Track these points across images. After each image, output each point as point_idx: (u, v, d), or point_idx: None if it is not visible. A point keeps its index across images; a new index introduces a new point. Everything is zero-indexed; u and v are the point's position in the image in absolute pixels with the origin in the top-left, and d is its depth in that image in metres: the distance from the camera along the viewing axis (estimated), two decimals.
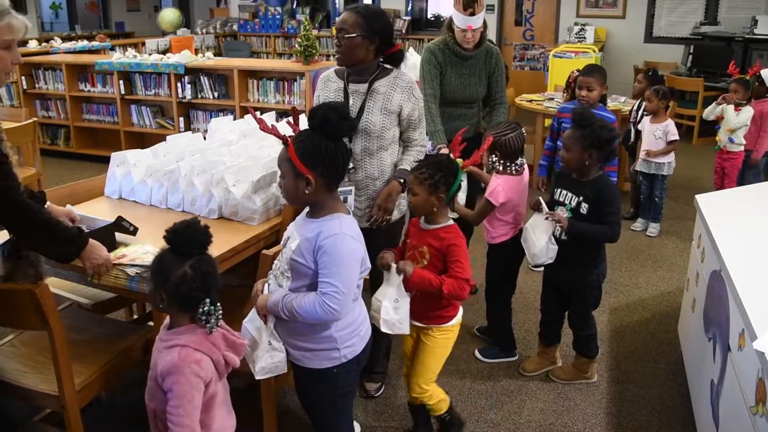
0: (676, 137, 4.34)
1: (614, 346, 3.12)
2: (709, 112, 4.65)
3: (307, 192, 1.69)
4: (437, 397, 2.30)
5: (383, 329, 2.08)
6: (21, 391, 1.96)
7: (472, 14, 2.98)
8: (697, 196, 2.92)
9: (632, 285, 3.79)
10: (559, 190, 2.61)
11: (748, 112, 4.41)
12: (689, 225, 3.97)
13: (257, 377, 1.82)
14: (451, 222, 2.14)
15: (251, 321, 1.84)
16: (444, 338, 2.23)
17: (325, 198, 1.74)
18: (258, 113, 2.15)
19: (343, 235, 1.68)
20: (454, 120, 3.28)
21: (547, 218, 2.48)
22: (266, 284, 1.85)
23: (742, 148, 4.50)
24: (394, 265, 2.06)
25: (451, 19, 3.10)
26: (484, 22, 3.09)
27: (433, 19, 10.54)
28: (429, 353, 2.22)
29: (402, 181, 2.39)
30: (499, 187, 2.65)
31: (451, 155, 2.18)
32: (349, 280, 1.68)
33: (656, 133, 4.33)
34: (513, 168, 2.67)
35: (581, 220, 2.49)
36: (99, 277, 1.96)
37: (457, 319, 2.24)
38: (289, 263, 1.74)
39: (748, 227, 2.58)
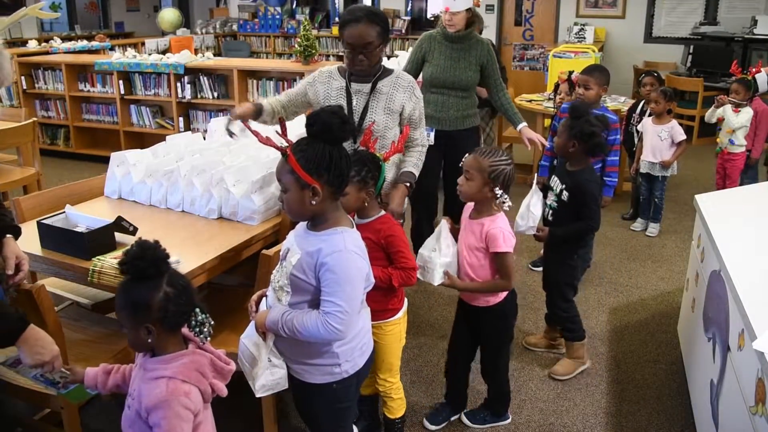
0: (684, 137, 4.33)
1: (614, 346, 3.12)
2: (710, 116, 4.65)
3: (314, 203, 1.60)
4: (399, 394, 2.30)
5: None
6: (20, 390, 1.96)
7: None
8: (696, 196, 2.93)
9: (632, 285, 3.79)
10: (553, 177, 2.80)
11: (747, 113, 4.40)
12: (689, 225, 3.98)
13: (257, 395, 1.75)
14: (383, 212, 2.12)
15: (249, 337, 1.76)
16: (395, 331, 2.20)
17: (329, 209, 1.66)
18: (252, 125, 2.09)
19: (347, 252, 1.61)
20: (449, 110, 3.34)
21: (532, 229, 2.59)
22: (264, 298, 1.80)
23: (743, 149, 4.49)
24: None
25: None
26: (474, 13, 3.32)
27: (432, 18, 10.54)
28: (385, 350, 2.19)
29: (409, 184, 2.42)
30: (505, 232, 2.23)
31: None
32: (353, 298, 1.62)
33: (661, 135, 4.32)
34: (506, 203, 2.27)
35: (562, 206, 2.69)
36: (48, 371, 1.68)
37: (403, 311, 2.22)
38: (289, 278, 1.67)
39: (748, 227, 2.58)
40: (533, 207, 2.53)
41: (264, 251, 2.06)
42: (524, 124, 3.41)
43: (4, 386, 1.97)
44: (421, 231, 3.44)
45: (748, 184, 4.48)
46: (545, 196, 2.72)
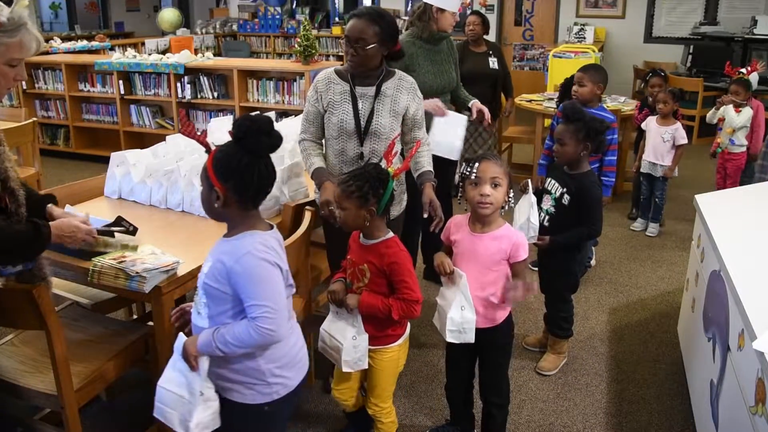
0: (685, 141, 4.33)
1: (614, 346, 3.12)
2: (711, 117, 4.65)
3: (216, 205, 1.56)
4: (391, 417, 2.20)
5: (344, 369, 2.01)
6: (20, 390, 1.96)
7: None
8: (696, 196, 2.92)
9: (632, 285, 3.79)
10: (549, 180, 2.75)
11: (748, 112, 4.41)
12: (689, 225, 3.97)
13: None
14: (391, 235, 2.00)
15: (170, 380, 1.63)
16: (392, 359, 2.10)
17: (239, 216, 1.60)
18: (186, 117, 1.95)
19: (254, 253, 1.53)
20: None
21: (533, 239, 2.49)
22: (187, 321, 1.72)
23: (744, 148, 4.50)
24: (352, 299, 1.97)
25: (426, 8, 3.10)
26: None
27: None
28: (380, 375, 2.10)
29: (433, 183, 2.38)
30: (523, 239, 2.14)
31: (383, 163, 2.01)
32: (276, 295, 1.56)
33: (664, 136, 4.32)
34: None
35: (562, 209, 2.64)
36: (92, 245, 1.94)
37: (404, 337, 2.13)
38: (203, 287, 1.60)
39: (748, 227, 2.58)
40: (533, 218, 2.46)
41: None
42: (474, 100, 3.30)
43: (4, 386, 1.97)
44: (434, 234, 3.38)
45: (747, 182, 4.49)
46: (539, 201, 2.68)
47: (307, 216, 2.42)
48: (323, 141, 2.50)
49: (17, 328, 2.17)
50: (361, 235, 2.02)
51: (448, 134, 2.97)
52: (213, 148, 1.59)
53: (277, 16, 10.91)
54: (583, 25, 8.92)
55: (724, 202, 2.96)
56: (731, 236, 2.41)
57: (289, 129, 3.30)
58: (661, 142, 4.32)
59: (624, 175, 5.41)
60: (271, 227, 1.68)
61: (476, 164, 2.02)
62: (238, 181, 1.54)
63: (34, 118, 4.56)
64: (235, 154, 1.54)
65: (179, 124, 1.87)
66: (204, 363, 1.61)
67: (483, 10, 8.08)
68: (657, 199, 4.50)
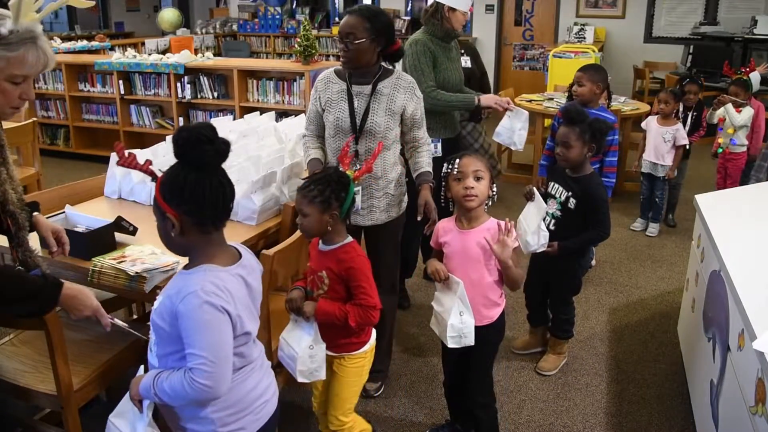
0: (686, 141, 4.33)
1: (614, 346, 3.12)
2: (711, 117, 4.64)
3: (173, 234, 1.40)
4: (359, 428, 2.12)
5: (299, 379, 1.91)
6: (20, 390, 1.96)
7: None
8: (696, 196, 2.92)
9: (632, 285, 3.79)
10: (552, 184, 2.73)
11: (749, 112, 4.41)
12: (689, 225, 3.97)
13: None
14: (349, 240, 1.94)
15: (117, 415, 1.52)
16: (356, 367, 2.03)
17: (199, 243, 1.43)
18: (124, 150, 1.64)
19: (200, 294, 1.35)
20: (454, 114, 3.28)
21: (543, 246, 2.43)
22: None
23: (744, 148, 4.50)
24: (308, 306, 1.89)
25: (438, 7, 3.10)
26: None
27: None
28: (343, 384, 2.02)
29: (431, 184, 2.40)
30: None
31: (340, 167, 1.97)
32: (216, 346, 1.36)
33: (665, 136, 4.31)
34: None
35: (568, 213, 2.63)
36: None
37: (370, 344, 2.06)
38: (152, 324, 1.45)
39: (748, 227, 2.58)
40: (543, 225, 2.42)
41: (264, 251, 2.05)
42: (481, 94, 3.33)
43: (3, 386, 1.97)
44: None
45: (747, 183, 4.49)
46: (544, 199, 2.63)
47: None
48: (325, 138, 2.52)
49: (17, 328, 2.17)
50: (320, 241, 1.96)
51: (510, 126, 3.18)
52: (159, 174, 1.45)
53: (277, 16, 10.91)
54: (583, 25, 8.92)
55: (724, 202, 2.96)
56: (731, 236, 2.41)
57: (289, 129, 3.30)
58: (662, 142, 4.32)
59: (625, 175, 5.41)
60: (239, 257, 1.50)
61: (457, 160, 2.06)
62: (189, 203, 1.38)
63: (34, 118, 4.55)
64: (180, 172, 1.39)
65: (118, 156, 1.69)
66: (148, 407, 1.47)
67: None
68: (657, 199, 4.50)
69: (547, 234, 2.46)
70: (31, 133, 4.20)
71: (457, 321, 2.02)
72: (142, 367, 1.55)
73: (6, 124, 4.14)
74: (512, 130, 3.17)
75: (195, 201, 1.38)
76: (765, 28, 7.65)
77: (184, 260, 2.03)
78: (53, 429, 2.16)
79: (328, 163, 2.46)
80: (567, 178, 2.65)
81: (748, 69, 4.63)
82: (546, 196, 2.70)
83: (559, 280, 2.80)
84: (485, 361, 2.24)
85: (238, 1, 11.76)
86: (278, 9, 10.86)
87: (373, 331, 2.08)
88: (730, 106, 4.44)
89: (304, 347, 1.88)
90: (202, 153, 1.37)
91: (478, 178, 2.03)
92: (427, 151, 2.51)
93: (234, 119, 3.85)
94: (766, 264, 2.19)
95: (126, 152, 1.60)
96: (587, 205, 2.58)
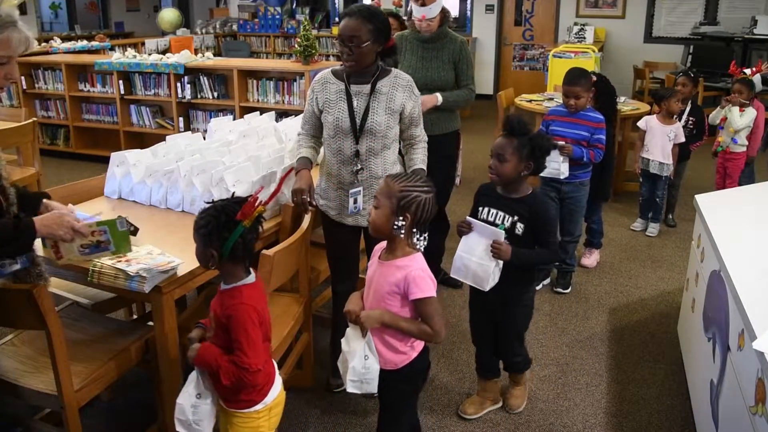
0: (683, 140, 4.35)
1: (614, 346, 3.12)
2: (715, 116, 4.64)
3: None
4: None
5: (178, 429, 1.74)
6: (20, 390, 1.96)
7: (423, 5, 3.17)
8: (696, 196, 2.93)
9: (632, 285, 3.79)
10: (484, 209, 2.35)
11: (752, 112, 4.41)
12: (689, 225, 3.98)
13: None
14: (248, 281, 1.72)
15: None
16: (248, 428, 1.75)
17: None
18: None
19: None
20: (428, 113, 3.19)
21: (492, 254, 2.16)
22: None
23: (744, 148, 4.50)
24: (192, 351, 1.73)
25: (411, 9, 3.28)
26: (446, 13, 3.29)
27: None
28: None
29: None
30: (427, 275, 1.81)
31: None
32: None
33: (670, 135, 4.32)
34: (420, 243, 1.86)
35: (516, 240, 2.24)
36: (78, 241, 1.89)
37: (265, 403, 1.76)
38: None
39: (748, 227, 2.59)
40: (493, 261, 2.18)
41: (264, 251, 2.06)
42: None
43: (4, 386, 1.97)
44: (435, 239, 3.32)
45: (745, 182, 4.50)
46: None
47: (307, 216, 2.43)
48: (321, 138, 2.53)
49: (17, 328, 2.18)
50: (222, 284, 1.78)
51: (554, 160, 3.27)
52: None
53: (277, 16, 10.91)
54: (583, 25, 8.93)
55: (724, 202, 2.96)
56: (731, 236, 2.41)
57: (289, 129, 3.30)
58: (667, 141, 4.33)
59: (625, 175, 5.41)
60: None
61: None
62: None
63: (34, 118, 4.56)
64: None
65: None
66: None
67: (395, 9, 8.21)
68: (657, 199, 4.51)
69: (501, 268, 2.21)
70: (31, 133, 4.20)
71: (360, 365, 1.80)
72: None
73: (6, 124, 4.17)
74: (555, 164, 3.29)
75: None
76: (765, 28, 7.66)
77: (185, 259, 2.04)
78: (53, 429, 2.16)
79: (327, 168, 2.47)
80: (506, 200, 2.31)
81: (754, 69, 4.63)
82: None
83: (510, 312, 2.41)
84: (394, 408, 1.97)
85: (238, 1, 11.77)
86: (278, 9, 10.87)
87: (278, 384, 1.83)
88: (734, 107, 4.44)
89: (193, 395, 1.73)
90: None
91: (375, 206, 1.82)
92: (423, 149, 2.52)
93: (234, 119, 3.85)
94: (766, 264, 2.19)
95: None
96: (537, 226, 2.26)
